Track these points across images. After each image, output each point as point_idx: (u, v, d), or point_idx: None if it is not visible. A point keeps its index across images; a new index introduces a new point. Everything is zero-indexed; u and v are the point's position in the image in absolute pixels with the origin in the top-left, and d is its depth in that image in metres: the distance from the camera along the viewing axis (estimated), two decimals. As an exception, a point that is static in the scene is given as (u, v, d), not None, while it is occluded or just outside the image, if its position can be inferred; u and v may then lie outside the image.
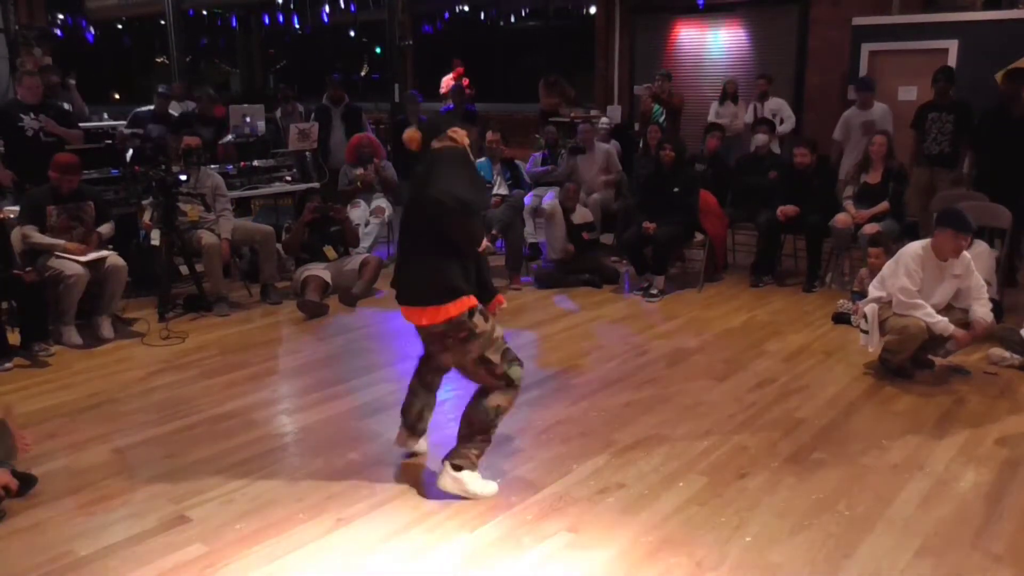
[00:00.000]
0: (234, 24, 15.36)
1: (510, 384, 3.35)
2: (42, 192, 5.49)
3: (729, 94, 8.99)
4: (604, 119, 9.38)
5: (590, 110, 10.97)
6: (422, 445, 3.79)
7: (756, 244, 6.99)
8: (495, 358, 3.30)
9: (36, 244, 5.36)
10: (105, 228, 5.65)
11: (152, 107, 8.39)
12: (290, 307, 6.18)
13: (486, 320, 3.32)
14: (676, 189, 6.57)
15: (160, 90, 8.56)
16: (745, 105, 8.94)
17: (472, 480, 3.37)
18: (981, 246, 5.43)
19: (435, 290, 3.24)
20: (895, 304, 4.61)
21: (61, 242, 5.38)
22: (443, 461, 3.41)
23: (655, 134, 7.65)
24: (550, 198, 7.29)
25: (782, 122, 8.57)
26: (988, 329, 4.63)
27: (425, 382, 3.70)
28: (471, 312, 3.25)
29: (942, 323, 4.50)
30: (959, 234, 4.50)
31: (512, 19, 13.49)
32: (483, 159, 7.52)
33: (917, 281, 4.55)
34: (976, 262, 5.33)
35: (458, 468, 3.36)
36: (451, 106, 9.53)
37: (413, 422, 3.73)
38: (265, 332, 5.74)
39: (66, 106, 7.81)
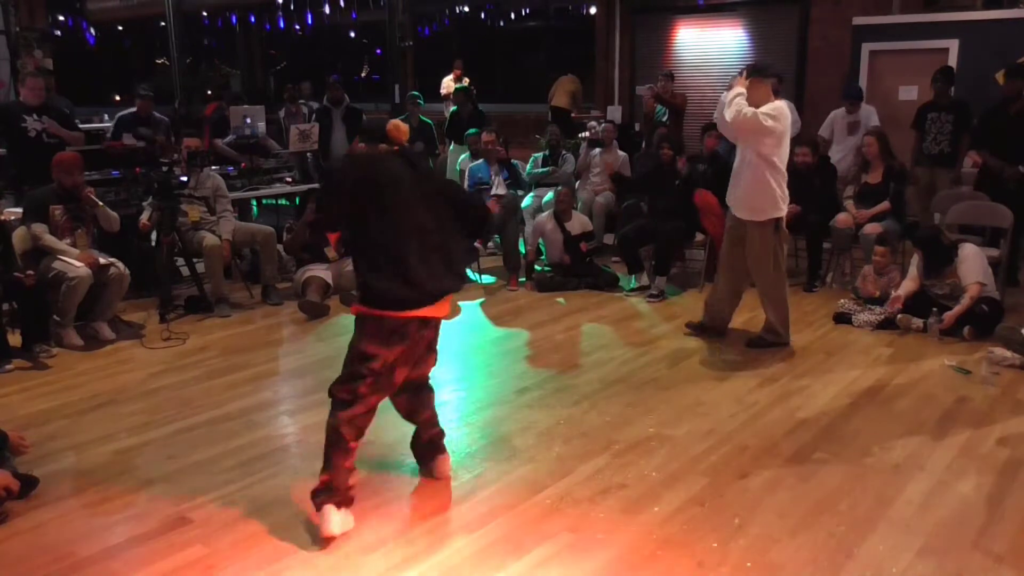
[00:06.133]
0: (234, 22, 15.35)
1: None
2: (45, 191, 5.50)
3: None
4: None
5: (591, 111, 10.95)
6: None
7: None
8: None
9: (48, 247, 5.35)
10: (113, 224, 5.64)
11: (135, 110, 7.44)
12: (291, 308, 6.18)
13: None
14: (678, 181, 6.63)
15: (141, 91, 7.67)
16: None
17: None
18: (967, 249, 5.38)
19: (457, 275, 3.29)
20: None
21: (75, 250, 5.39)
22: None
23: (665, 135, 7.65)
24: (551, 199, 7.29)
25: None
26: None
27: (416, 419, 3.56)
28: None
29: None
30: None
31: (512, 19, 13.49)
32: (480, 160, 7.52)
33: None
34: (963, 265, 5.30)
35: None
36: (454, 108, 9.53)
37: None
38: (266, 333, 5.74)
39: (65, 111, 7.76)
